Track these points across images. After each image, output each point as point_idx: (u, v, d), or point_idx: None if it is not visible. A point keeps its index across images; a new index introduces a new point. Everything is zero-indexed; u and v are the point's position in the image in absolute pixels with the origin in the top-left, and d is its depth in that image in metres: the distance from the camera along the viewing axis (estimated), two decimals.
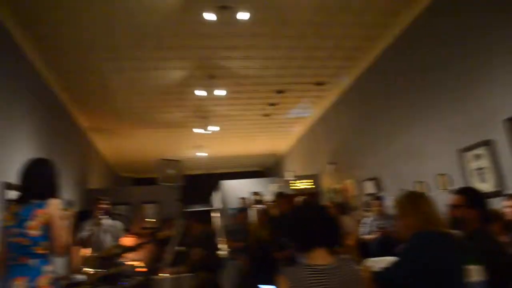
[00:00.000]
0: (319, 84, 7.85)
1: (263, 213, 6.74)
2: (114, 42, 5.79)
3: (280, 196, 6.06)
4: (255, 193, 9.67)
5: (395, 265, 2.09)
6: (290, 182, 9.67)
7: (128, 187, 12.11)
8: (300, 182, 9.78)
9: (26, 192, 2.70)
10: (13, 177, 5.03)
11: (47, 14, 4.96)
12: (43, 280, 2.52)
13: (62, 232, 2.66)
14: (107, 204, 5.49)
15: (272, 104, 8.57)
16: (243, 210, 7.64)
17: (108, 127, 9.39)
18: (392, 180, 6.45)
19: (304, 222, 1.89)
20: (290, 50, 6.46)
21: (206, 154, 12.04)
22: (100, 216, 5.37)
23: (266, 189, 9.77)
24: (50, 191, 2.74)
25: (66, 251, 2.69)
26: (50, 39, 5.51)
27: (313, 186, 9.76)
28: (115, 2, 4.87)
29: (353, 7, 5.33)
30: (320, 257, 1.84)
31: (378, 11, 5.53)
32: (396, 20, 5.76)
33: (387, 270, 2.11)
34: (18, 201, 2.70)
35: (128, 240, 5.63)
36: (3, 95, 4.78)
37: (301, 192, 9.12)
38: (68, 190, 7.41)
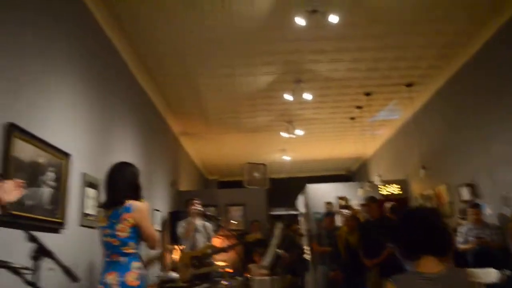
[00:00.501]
0: (408, 85, 7.57)
1: (351, 218, 6.62)
2: (205, 49, 6.05)
3: (371, 200, 5.90)
4: (341, 198, 9.53)
5: None
6: (378, 186, 9.39)
7: (215, 190, 12.49)
8: (388, 187, 9.46)
9: (112, 196, 2.88)
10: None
11: (146, 23, 5.31)
12: (131, 276, 2.71)
13: (151, 230, 2.87)
14: (199, 205, 5.69)
15: (359, 107, 8.40)
16: (330, 214, 7.55)
17: (197, 131, 9.78)
18: (491, 187, 6.01)
19: (413, 228, 1.82)
20: (379, 51, 6.31)
21: (291, 158, 12.09)
22: (193, 217, 5.59)
23: (352, 193, 9.58)
24: (135, 194, 2.90)
25: (158, 245, 2.91)
26: (148, 46, 5.88)
27: (401, 192, 9.40)
28: (205, 11, 5.08)
29: (445, 2, 5.07)
30: (429, 265, 1.76)
31: (472, 5, 5.21)
32: (494, 14, 5.39)
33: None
34: (107, 204, 2.89)
35: (218, 241, 5.83)
36: (106, 99, 5.18)
37: (389, 197, 8.83)
38: (160, 191, 7.82)
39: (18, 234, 2.71)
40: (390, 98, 8.19)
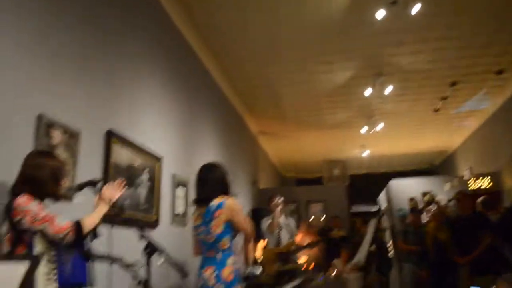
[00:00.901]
0: (498, 72, 7.08)
1: (439, 214, 6.34)
2: (283, 49, 6.10)
3: (462, 195, 5.56)
4: (426, 193, 9.13)
5: None
6: (467, 180, 8.89)
7: (294, 187, 12.53)
8: (477, 180, 8.92)
9: (205, 194, 3.01)
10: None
11: (224, 27, 5.47)
12: (226, 271, 2.82)
13: (244, 224, 2.99)
14: (281, 201, 5.71)
15: (444, 98, 7.99)
16: (416, 211, 7.27)
17: (274, 130, 9.88)
18: None
19: None
20: (465, 39, 5.97)
21: (371, 153, 11.80)
22: (276, 213, 5.66)
23: (437, 188, 9.15)
24: (225, 192, 3.03)
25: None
26: (226, 50, 6.05)
27: (492, 185, 8.81)
28: (280, 8, 5.12)
29: None
30: None
31: None
32: None
33: None
34: (198, 203, 3.04)
35: (302, 238, 5.84)
36: (190, 105, 5.41)
37: (480, 191, 8.32)
38: (242, 190, 8.01)
39: (121, 232, 2.93)
40: (478, 87, 7.71)
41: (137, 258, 2.18)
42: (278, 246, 5.53)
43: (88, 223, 2.05)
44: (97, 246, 2.22)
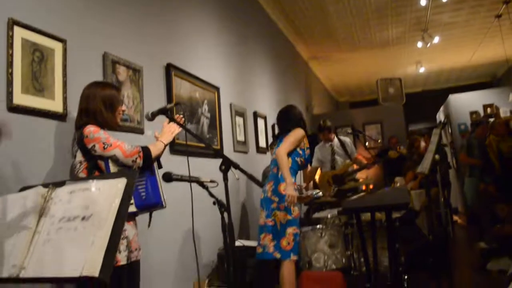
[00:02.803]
0: None
1: (503, 125, 6.14)
2: None
3: None
4: (488, 106, 8.79)
5: None
6: None
7: (349, 110, 12.42)
8: None
9: (281, 130, 3.72)
10: (262, 107, 5.81)
11: None
12: (282, 186, 3.34)
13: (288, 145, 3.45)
14: (329, 131, 5.54)
15: (507, 1, 7.41)
16: (482, 123, 7.01)
17: (325, 54, 9.66)
18: None
19: None
20: None
21: (427, 69, 11.33)
22: (325, 141, 5.60)
23: (501, 100, 8.76)
24: (299, 125, 3.60)
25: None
26: None
27: None
28: None
29: None
30: None
31: None
32: None
33: None
34: (276, 136, 3.75)
35: (359, 159, 5.86)
36: (242, 35, 5.41)
37: None
38: None
39: (192, 161, 3.11)
40: None
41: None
42: (333, 168, 5.53)
43: (153, 150, 2.16)
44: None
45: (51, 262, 1.37)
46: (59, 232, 1.42)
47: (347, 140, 5.73)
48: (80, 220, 1.38)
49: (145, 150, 2.12)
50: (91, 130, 2.06)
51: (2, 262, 1.48)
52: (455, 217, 8.80)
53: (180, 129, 2.33)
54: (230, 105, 4.68)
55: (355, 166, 5.63)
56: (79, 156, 2.09)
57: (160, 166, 2.28)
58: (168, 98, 3.41)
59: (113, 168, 2.07)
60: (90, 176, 2.01)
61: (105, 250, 1.26)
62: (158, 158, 2.27)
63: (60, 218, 1.46)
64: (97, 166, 2.08)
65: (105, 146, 2.04)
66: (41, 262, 1.40)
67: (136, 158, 2.08)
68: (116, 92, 2.26)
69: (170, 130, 2.32)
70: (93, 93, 2.18)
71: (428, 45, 8.62)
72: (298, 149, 3.49)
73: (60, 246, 1.39)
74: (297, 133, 3.50)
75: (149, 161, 2.13)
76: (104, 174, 1.94)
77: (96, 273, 1.24)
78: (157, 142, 2.25)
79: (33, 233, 1.48)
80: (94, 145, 2.04)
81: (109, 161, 2.06)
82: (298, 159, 3.50)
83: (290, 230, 3.32)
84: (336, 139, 5.56)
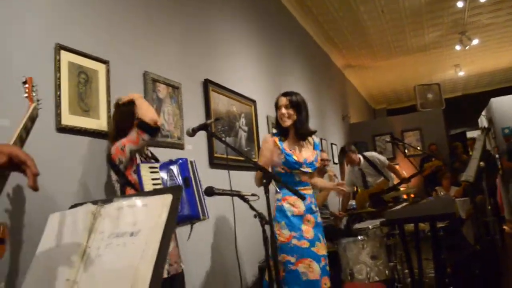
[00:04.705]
0: None
1: None
2: None
3: None
4: None
5: None
6: None
7: (387, 117, 12.22)
8: None
9: None
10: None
11: None
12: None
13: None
14: (352, 152, 5.33)
15: None
16: None
17: (360, 62, 9.59)
18: None
19: None
20: None
21: (466, 73, 11.04)
22: (352, 165, 5.39)
23: None
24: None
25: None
26: None
27: None
28: None
29: None
30: None
31: None
32: None
33: None
34: None
35: (395, 170, 5.70)
36: (276, 47, 5.45)
37: None
38: (334, 126, 8.02)
39: (230, 174, 3.16)
40: None
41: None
42: (366, 186, 5.31)
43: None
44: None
45: (102, 277, 1.42)
46: (108, 248, 1.47)
47: (374, 154, 5.53)
48: (129, 236, 1.43)
49: (140, 125, 2.13)
50: (114, 146, 2.15)
51: (56, 277, 1.54)
52: (503, 226, 8.46)
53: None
54: (267, 117, 4.70)
55: (395, 178, 5.50)
56: (113, 175, 2.18)
57: (187, 185, 2.22)
58: (207, 113, 3.47)
59: (144, 170, 2.11)
60: (137, 193, 2.07)
61: (153, 265, 1.30)
62: (188, 175, 2.24)
63: (109, 234, 1.51)
64: (128, 181, 2.14)
65: (122, 148, 2.11)
66: (92, 277, 1.45)
67: (142, 137, 2.12)
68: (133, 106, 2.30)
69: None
70: (116, 110, 2.29)
71: (467, 47, 8.42)
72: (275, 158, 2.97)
73: (110, 262, 1.43)
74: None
75: (147, 125, 2.12)
76: (151, 191, 1.99)
77: None
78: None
79: (84, 248, 1.53)
80: (118, 157, 2.11)
81: (140, 165, 2.12)
82: (279, 169, 2.95)
83: (279, 258, 2.79)
84: (363, 161, 5.36)
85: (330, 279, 2.95)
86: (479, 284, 3.84)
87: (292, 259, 2.79)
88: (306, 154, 2.99)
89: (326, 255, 2.94)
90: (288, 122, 2.93)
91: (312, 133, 3.04)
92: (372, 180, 5.35)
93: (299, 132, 2.95)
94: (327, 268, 2.92)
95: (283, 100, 2.99)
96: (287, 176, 2.91)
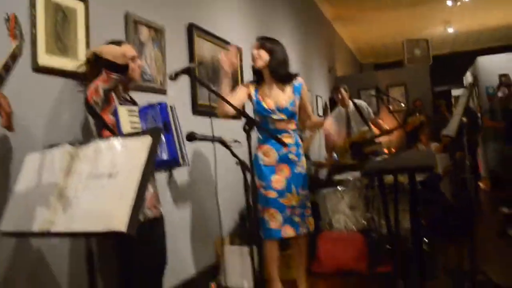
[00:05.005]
0: None
1: None
2: None
3: None
4: None
5: None
6: None
7: (373, 72, 12.15)
8: None
9: None
10: None
11: None
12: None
13: None
14: (344, 91, 5.34)
15: None
16: (505, 84, 6.80)
17: (350, 14, 9.38)
18: None
19: None
20: None
21: (455, 30, 10.93)
22: (342, 105, 5.38)
23: None
24: None
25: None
26: None
27: None
28: None
29: None
30: None
31: None
32: None
33: None
34: None
35: (379, 123, 5.72)
36: None
37: None
38: (319, 78, 7.97)
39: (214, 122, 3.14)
40: None
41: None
42: (349, 135, 5.29)
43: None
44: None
45: (80, 217, 1.42)
46: (86, 189, 1.47)
47: (363, 104, 5.54)
48: (107, 177, 1.42)
49: (106, 65, 2.05)
50: (90, 86, 2.06)
51: (33, 217, 1.54)
52: (479, 183, 8.70)
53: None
54: (252, 67, 4.62)
55: (376, 130, 5.52)
56: (91, 118, 2.15)
57: (166, 129, 2.18)
58: (190, 59, 3.40)
59: (122, 113, 2.07)
60: (116, 135, 2.04)
61: (131, 206, 1.30)
62: (167, 119, 2.20)
63: (87, 176, 1.49)
64: (105, 123, 2.09)
65: (95, 88, 2.02)
66: (70, 217, 1.45)
67: (111, 76, 2.05)
68: (123, 45, 2.23)
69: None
70: (100, 49, 2.16)
71: (458, 3, 8.28)
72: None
73: (88, 202, 1.43)
74: None
75: (112, 64, 2.05)
76: (130, 133, 1.96)
77: (123, 228, 1.27)
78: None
79: (62, 189, 1.52)
80: (93, 98, 2.03)
81: (118, 107, 2.08)
82: (256, 117, 2.95)
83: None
84: (351, 105, 5.31)
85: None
86: (452, 238, 3.99)
87: (259, 207, 2.83)
88: (280, 99, 2.92)
89: (297, 206, 2.93)
90: (259, 63, 2.90)
91: (289, 76, 2.97)
92: (356, 128, 5.35)
93: (273, 75, 2.90)
94: (296, 218, 2.92)
95: (255, 44, 2.96)
96: (263, 124, 2.90)
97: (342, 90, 5.32)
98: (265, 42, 2.92)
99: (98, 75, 2.07)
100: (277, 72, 2.90)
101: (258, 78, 2.98)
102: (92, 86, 2.04)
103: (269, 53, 2.88)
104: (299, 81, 3.02)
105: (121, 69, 2.09)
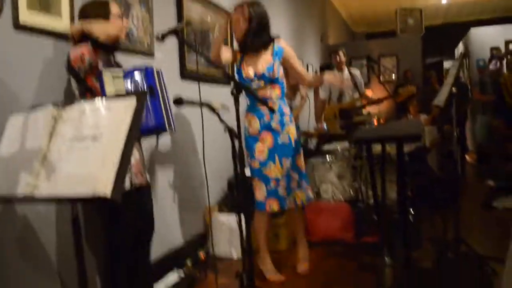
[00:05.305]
0: None
1: None
2: None
3: None
4: (511, 42, 8.46)
5: None
6: None
7: (365, 41, 12.01)
8: None
9: None
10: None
11: None
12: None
13: None
14: (342, 54, 5.44)
15: None
16: (495, 57, 6.78)
17: None
18: None
19: None
20: None
21: (449, 0, 10.78)
22: (339, 68, 5.44)
23: None
24: None
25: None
26: None
27: None
28: None
29: None
30: None
31: None
32: None
33: None
34: None
35: (369, 93, 5.72)
36: None
37: None
38: (311, 46, 7.85)
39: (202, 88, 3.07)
40: None
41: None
42: (340, 102, 5.41)
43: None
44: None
45: (64, 181, 1.38)
46: (70, 152, 1.41)
47: (357, 73, 5.58)
48: (91, 140, 1.36)
49: (94, 43, 1.97)
50: (73, 52, 1.95)
51: (16, 181, 1.49)
52: (465, 155, 8.80)
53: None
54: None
55: (363, 101, 5.52)
56: (73, 81, 2.06)
57: (152, 94, 2.11)
58: (179, 20, 3.28)
59: (106, 77, 2.01)
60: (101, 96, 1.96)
61: (116, 170, 1.25)
62: (153, 84, 2.12)
63: (71, 138, 1.44)
64: (88, 88, 2.03)
65: (81, 57, 1.91)
66: (54, 181, 1.40)
67: (100, 53, 2.01)
68: (102, 7, 2.13)
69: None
70: (81, 16, 2.11)
71: None
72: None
73: (72, 166, 1.38)
74: None
75: (101, 44, 2.02)
76: (115, 95, 1.89)
77: (108, 194, 1.23)
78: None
79: (45, 152, 1.47)
80: (78, 65, 1.93)
81: (102, 72, 2.00)
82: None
83: None
84: (346, 72, 5.39)
85: None
86: (438, 207, 4.03)
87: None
88: (257, 66, 2.85)
89: (282, 178, 2.86)
90: (238, 35, 2.84)
91: (265, 42, 2.87)
92: (348, 95, 5.42)
93: (252, 42, 2.82)
94: (281, 191, 2.87)
95: (235, 11, 2.87)
96: (246, 93, 2.81)
97: (341, 53, 5.40)
98: (243, 9, 2.81)
99: (83, 41, 1.98)
100: (255, 39, 2.82)
101: (242, 46, 2.90)
102: (77, 52, 1.92)
103: (247, 21, 2.79)
104: (279, 44, 2.93)
105: (111, 47, 2.04)
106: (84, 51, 1.91)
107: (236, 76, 2.89)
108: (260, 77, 2.82)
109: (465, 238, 2.99)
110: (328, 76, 3.12)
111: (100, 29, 2.02)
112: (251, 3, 2.85)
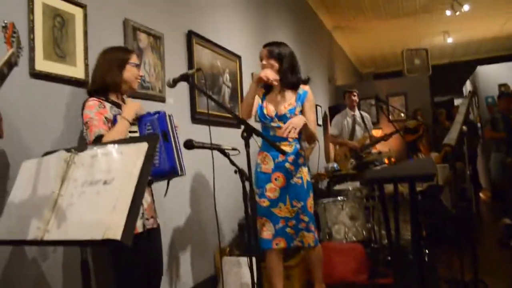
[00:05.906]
0: None
1: None
2: None
3: None
4: None
5: None
6: None
7: (373, 81, 12.16)
8: None
9: None
10: None
11: None
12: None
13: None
14: (356, 95, 5.64)
15: None
16: (505, 94, 6.78)
17: (349, 23, 9.41)
18: None
19: None
20: None
21: (455, 40, 10.95)
22: (351, 108, 5.62)
23: None
24: None
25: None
26: None
27: None
28: None
29: None
30: None
31: None
32: None
33: None
34: None
35: (377, 133, 5.80)
36: (263, 3, 5.29)
37: None
38: (319, 87, 7.96)
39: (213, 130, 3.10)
40: None
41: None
42: (352, 139, 5.54)
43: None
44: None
45: (74, 225, 1.38)
46: (82, 196, 1.43)
47: (368, 116, 5.79)
48: (102, 184, 1.38)
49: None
50: (89, 104, 2.03)
51: (28, 225, 1.50)
52: (479, 193, 8.66)
53: (139, 104, 2.23)
54: (252, 74, 4.61)
55: (372, 137, 5.62)
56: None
57: (166, 139, 2.11)
58: (189, 66, 3.37)
59: None
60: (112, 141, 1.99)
61: (127, 214, 1.26)
62: (165, 129, 2.12)
63: (83, 182, 1.46)
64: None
65: (86, 127, 2.00)
66: (65, 225, 1.41)
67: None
68: (124, 53, 2.20)
69: (130, 106, 2.17)
70: (101, 59, 2.16)
71: (457, 13, 8.30)
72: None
73: (83, 210, 1.39)
74: None
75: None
76: (126, 139, 1.93)
77: (118, 237, 1.24)
78: (119, 121, 2.07)
79: (57, 197, 1.49)
80: (86, 122, 2.02)
81: (117, 117, 2.08)
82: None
83: None
84: (357, 112, 5.59)
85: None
86: (453, 248, 3.94)
87: (262, 220, 2.81)
88: (280, 106, 2.87)
89: (291, 218, 2.83)
90: (270, 76, 2.81)
91: (297, 82, 2.91)
92: (360, 132, 5.58)
93: (282, 81, 2.85)
94: (289, 230, 2.83)
95: (264, 51, 2.89)
96: (264, 131, 2.88)
97: (355, 93, 5.61)
98: (273, 50, 2.85)
99: (107, 70, 2.09)
100: (287, 78, 2.86)
101: (267, 86, 2.94)
102: (88, 114, 2.02)
103: (278, 62, 2.83)
104: (304, 88, 2.96)
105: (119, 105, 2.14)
106: (93, 125, 1.99)
107: (258, 111, 2.91)
108: (281, 117, 2.84)
109: (482, 278, 2.90)
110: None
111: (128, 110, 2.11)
112: (277, 44, 2.92)
